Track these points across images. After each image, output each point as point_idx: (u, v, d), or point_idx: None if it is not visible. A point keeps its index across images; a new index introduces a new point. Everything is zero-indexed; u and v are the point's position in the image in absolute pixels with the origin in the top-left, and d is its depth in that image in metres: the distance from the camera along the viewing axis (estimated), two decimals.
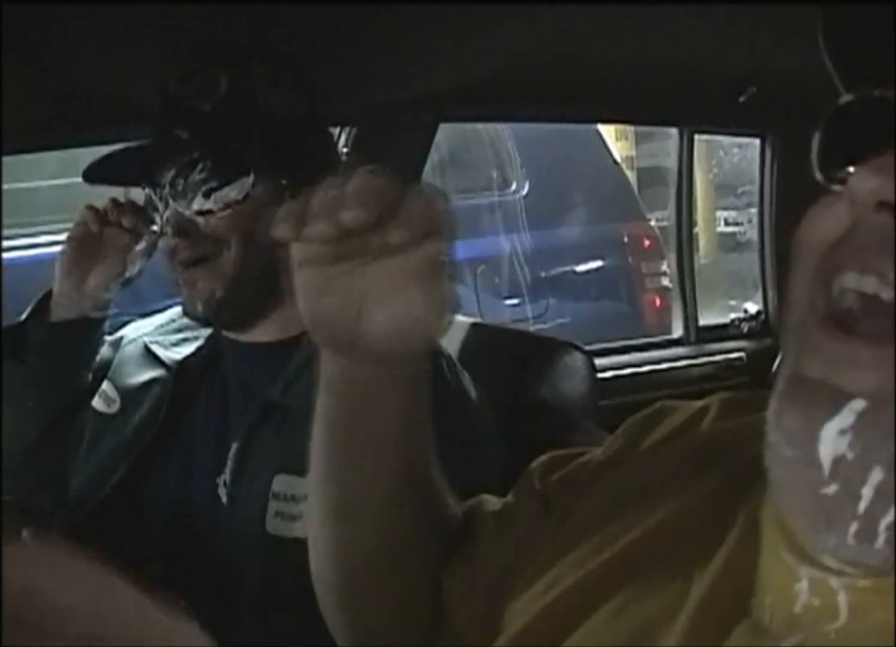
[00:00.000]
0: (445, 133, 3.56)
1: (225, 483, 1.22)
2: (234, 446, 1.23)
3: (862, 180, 0.50)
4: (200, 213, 1.25)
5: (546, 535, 0.71)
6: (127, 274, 1.39)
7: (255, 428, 1.23)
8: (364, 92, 1.45)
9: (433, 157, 4.21)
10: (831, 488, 0.49)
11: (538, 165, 4.36)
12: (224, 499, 1.22)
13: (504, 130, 4.15)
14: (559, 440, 1.39)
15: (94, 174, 1.31)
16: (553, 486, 0.76)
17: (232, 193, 1.25)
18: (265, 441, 1.21)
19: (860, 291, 0.50)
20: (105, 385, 1.39)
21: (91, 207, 1.37)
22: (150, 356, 1.39)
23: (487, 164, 4.34)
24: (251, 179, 1.26)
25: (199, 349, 1.38)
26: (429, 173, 4.23)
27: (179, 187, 1.25)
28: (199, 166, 1.25)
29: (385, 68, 1.41)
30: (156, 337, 1.43)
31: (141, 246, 1.38)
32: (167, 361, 1.37)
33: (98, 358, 1.43)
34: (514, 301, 4.43)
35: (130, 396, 1.36)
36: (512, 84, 1.53)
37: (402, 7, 1.15)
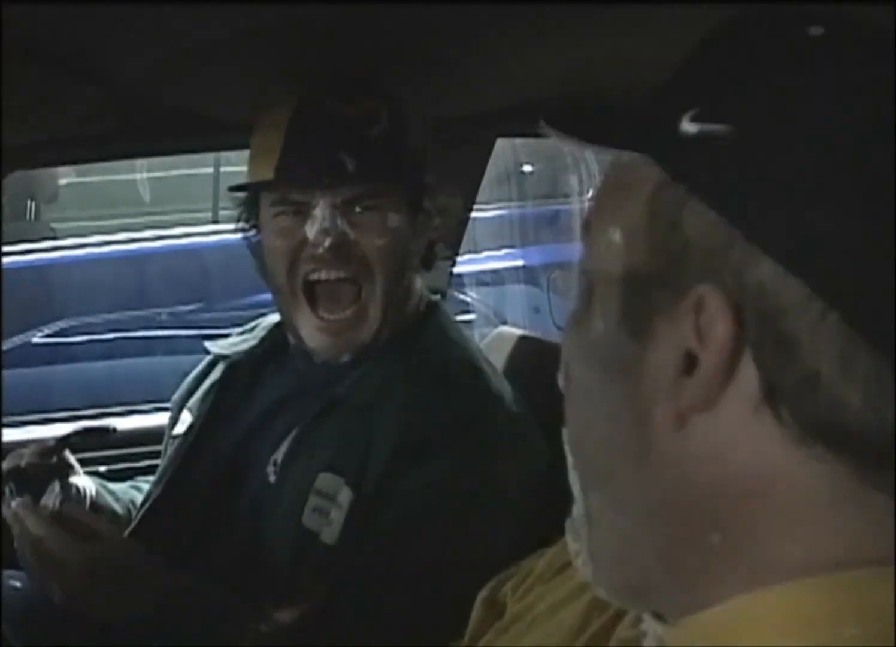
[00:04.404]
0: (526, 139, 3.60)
1: (275, 463, 1.26)
2: (294, 431, 1.26)
3: None
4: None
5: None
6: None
7: (318, 419, 1.26)
8: (428, 110, 1.47)
9: (510, 164, 4.25)
10: None
11: None
12: (272, 478, 1.26)
13: None
14: None
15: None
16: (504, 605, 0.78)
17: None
18: (322, 435, 1.24)
19: None
20: (183, 414, 1.44)
21: None
22: (213, 361, 1.45)
23: (566, 170, 4.34)
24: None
25: (261, 341, 1.41)
26: (505, 179, 4.28)
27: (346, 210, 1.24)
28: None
29: (448, 86, 1.43)
30: (219, 341, 1.48)
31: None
32: (222, 357, 1.42)
33: (181, 390, 1.48)
34: None
35: (198, 407, 1.41)
36: (570, 102, 1.54)
37: (463, 27, 1.16)
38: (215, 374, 1.42)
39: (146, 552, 1.17)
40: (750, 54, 0.49)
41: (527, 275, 4.42)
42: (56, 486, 1.23)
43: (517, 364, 1.54)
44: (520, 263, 4.42)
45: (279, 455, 1.26)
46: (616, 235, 0.51)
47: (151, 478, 1.48)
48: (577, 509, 0.56)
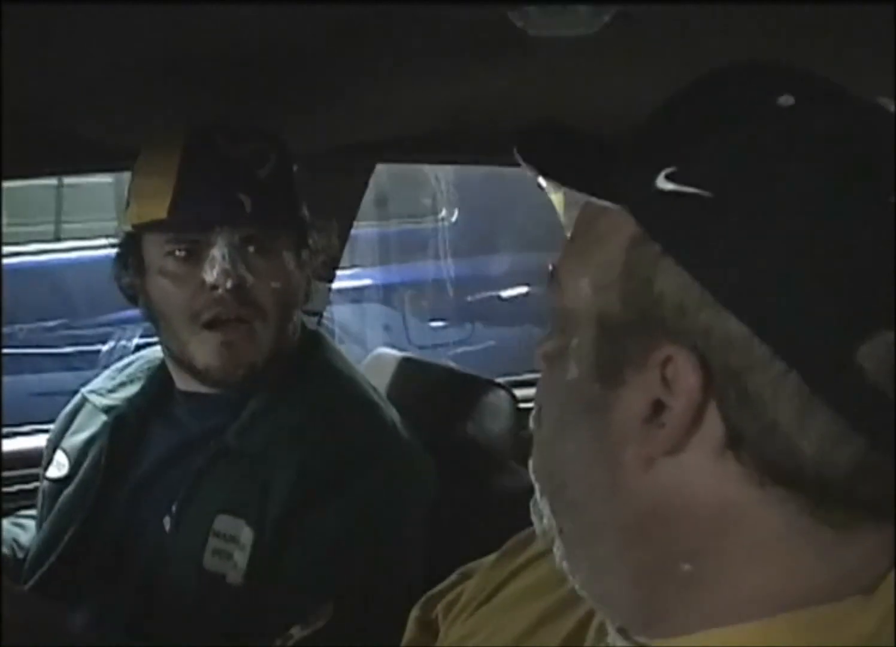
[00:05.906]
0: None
1: (172, 513, 1.25)
2: (187, 481, 1.26)
3: None
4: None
5: None
6: None
7: (208, 467, 1.26)
8: (305, 141, 1.50)
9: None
10: None
11: (470, 194, 4.46)
12: (167, 528, 1.25)
13: None
14: (484, 479, 1.47)
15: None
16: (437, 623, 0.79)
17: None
18: (216, 479, 1.25)
19: None
20: (57, 454, 1.42)
21: None
22: (91, 408, 1.42)
23: (421, 191, 4.41)
24: None
25: (142, 391, 1.40)
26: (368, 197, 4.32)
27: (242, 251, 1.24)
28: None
29: (326, 119, 1.46)
30: (94, 387, 1.46)
31: None
32: (103, 407, 1.40)
33: (54, 429, 1.46)
34: (440, 324, 4.54)
35: (78, 455, 1.39)
36: (449, 133, 1.59)
37: (342, 64, 1.19)
38: (96, 424, 1.39)
39: (49, 604, 1.15)
40: (724, 116, 0.51)
41: (381, 293, 4.47)
42: None
43: (400, 386, 1.58)
44: (374, 281, 4.47)
45: (174, 505, 1.25)
46: (589, 284, 0.53)
47: (26, 513, 1.46)
48: (547, 525, 0.58)
